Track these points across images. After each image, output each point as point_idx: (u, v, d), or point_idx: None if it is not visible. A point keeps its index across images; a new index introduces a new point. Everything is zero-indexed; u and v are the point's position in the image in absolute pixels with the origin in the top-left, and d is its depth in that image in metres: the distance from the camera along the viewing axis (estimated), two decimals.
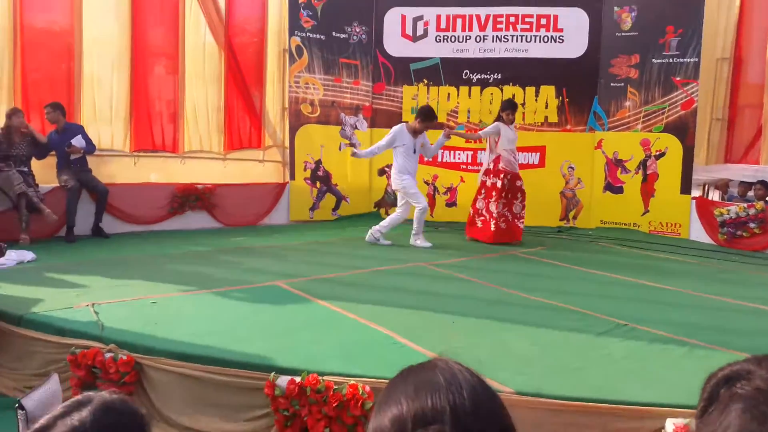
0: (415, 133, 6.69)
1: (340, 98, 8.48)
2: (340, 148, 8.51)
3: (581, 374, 3.10)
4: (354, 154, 6.90)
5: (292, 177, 8.21)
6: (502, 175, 6.86)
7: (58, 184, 6.56)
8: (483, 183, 7.05)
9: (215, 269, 5.36)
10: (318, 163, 8.35)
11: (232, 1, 8.16)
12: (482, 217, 7.00)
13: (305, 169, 8.27)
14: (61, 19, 7.17)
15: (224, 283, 4.76)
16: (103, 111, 7.50)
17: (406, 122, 6.98)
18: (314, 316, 4.04)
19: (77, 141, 6.58)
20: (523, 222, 7.01)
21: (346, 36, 8.44)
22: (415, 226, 6.76)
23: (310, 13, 8.19)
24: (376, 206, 8.80)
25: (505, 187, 6.84)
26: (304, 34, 8.17)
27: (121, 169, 7.58)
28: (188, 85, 7.99)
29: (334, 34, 8.35)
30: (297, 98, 8.20)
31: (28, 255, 5.36)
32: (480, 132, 7.14)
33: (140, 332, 3.51)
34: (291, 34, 8.11)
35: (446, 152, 8.33)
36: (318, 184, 8.37)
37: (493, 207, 6.86)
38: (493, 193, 6.88)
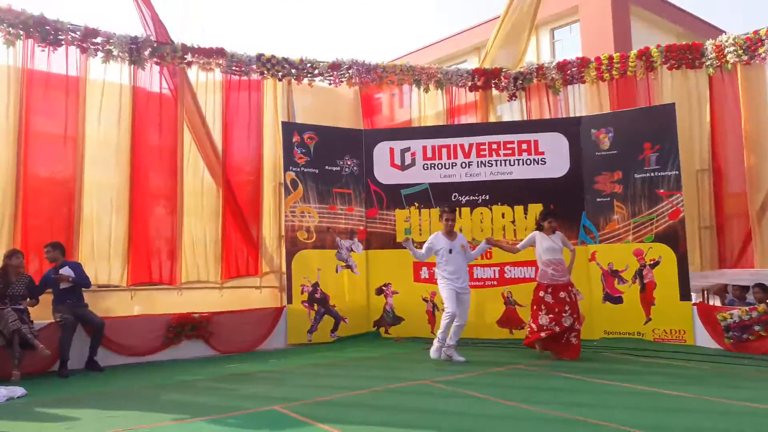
0: (449, 234, 6.87)
1: (335, 224, 8.67)
2: (337, 271, 8.57)
3: None
4: (406, 241, 6.84)
5: (290, 301, 8.17)
6: (545, 288, 6.83)
7: (53, 320, 6.50)
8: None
9: (210, 397, 5.18)
10: (315, 285, 8.35)
11: (229, 144, 8.60)
12: (530, 327, 6.91)
13: (302, 293, 8.25)
14: (64, 168, 7.51)
15: (219, 410, 4.58)
16: (101, 249, 7.65)
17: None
18: None
19: (65, 270, 6.61)
20: (576, 336, 6.76)
21: (338, 168, 8.81)
22: (438, 334, 6.78)
23: (304, 150, 8.61)
24: (375, 325, 8.70)
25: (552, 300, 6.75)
26: (298, 169, 8.53)
27: (118, 303, 7.60)
28: (187, 220, 8.20)
29: (327, 167, 8.72)
30: (293, 226, 8.38)
31: (18, 391, 5.24)
32: (518, 245, 7.26)
33: None
34: (286, 169, 8.48)
35: None
36: (316, 307, 8.31)
37: (543, 320, 6.73)
38: (538, 306, 6.84)
